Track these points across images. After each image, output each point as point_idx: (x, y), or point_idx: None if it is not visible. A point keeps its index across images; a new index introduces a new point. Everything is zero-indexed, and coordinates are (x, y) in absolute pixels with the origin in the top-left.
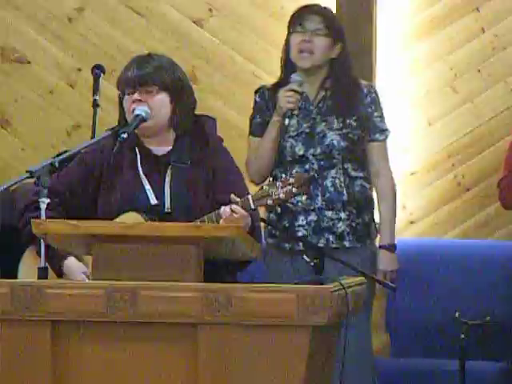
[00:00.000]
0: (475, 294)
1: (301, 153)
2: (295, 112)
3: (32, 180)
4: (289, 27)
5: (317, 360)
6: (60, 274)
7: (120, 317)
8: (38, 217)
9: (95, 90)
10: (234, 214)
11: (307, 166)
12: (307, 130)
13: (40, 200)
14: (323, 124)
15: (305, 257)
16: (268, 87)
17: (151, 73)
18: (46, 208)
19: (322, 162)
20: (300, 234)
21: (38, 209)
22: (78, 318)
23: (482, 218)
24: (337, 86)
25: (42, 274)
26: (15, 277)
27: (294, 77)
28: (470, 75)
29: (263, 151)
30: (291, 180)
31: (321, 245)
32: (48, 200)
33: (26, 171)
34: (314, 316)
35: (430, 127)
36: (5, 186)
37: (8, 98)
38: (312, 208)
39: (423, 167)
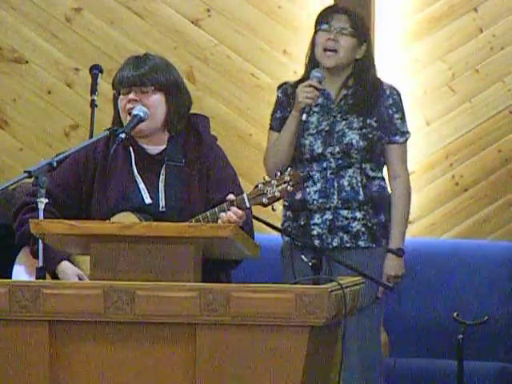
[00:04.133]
0: (473, 294)
1: (319, 151)
2: (316, 109)
3: (30, 180)
4: (315, 26)
5: (315, 360)
6: (54, 277)
7: (117, 317)
8: (34, 217)
9: (93, 89)
10: (233, 216)
11: (325, 165)
12: (327, 128)
13: (38, 200)
14: (343, 123)
15: (303, 257)
16: (290, 83)
17: (147, 73)
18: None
19: (339, 161)
20: (315, 232)
21: (33, 209)
22: (76, 318)
23: (480, 217)
24: (359, 86)
25: (40, 273)
26: (9, 277)
27: (314, 73)
28: (468, 75)
29: (281, 146)
30: (286, 178)
31: (335, 244)
32: (46, 200)
33: (24, 171)
34: (312, 316)
35: (428, 127)
36: (2, 187)
37: (6, 98)
38: (328, 207)
39: (421, 167)
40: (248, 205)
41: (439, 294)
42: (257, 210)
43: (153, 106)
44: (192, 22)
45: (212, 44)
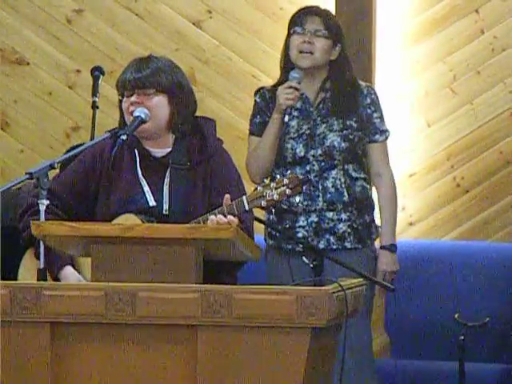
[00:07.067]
0: (474, 295)
1: (301, 154)
2: (295, 113)
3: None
4: (289, 28)
5: (316, 361)
6: (56, 281)
7: (119, 318)
8: (38, 219)
9: (94, 91)
10: (223, 218)
11: (308, 167)
12: (307, 132)
13: (39, 202)
14: (323, 125)
15: (304, 258)
16: (268, 88)
17: (149, 75)
18: (46, 210)
19: (322, 163)
20: (300, 235)
21: (38, 211)
22: (77, 320)
23: (481, 219)
24: (336, 88)
25: (42, 275)
26: (15, 278)
27: (293, 74)
28: (469, 77)
29: (263, 150)
30: (285, 181)
31: (321, 246)
32: (47, 202)
33: (25, 173)
34: (313, 318)
35: (430, 129)
36: (4, 188)
37: (7, 100)
38: (313, 209)
39: (422, 169)
40: (247, 207)
41: (440, 296)
42: (256, 211)
43: (155, 107)
44: (193, 24)
45: (213, 45)
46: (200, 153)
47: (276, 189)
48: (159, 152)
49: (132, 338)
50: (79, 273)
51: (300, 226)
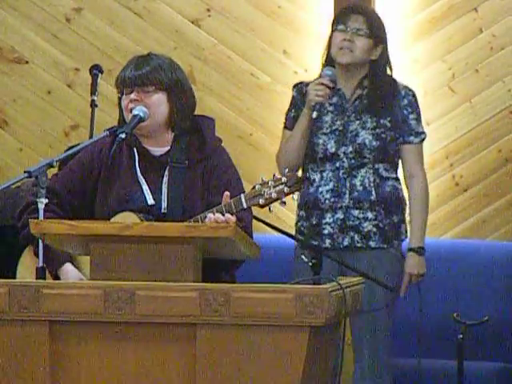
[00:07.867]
0: (473, 294)
1: (332, 150)
2: (330, 108)
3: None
4: (332, 25)
5: (315, 360)
6: (56, 278)
7: (118, 317)
8: (36, 217)
9: (93, 90)
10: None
11: (338, 164)
12: (340, 128)
13: (38, 200)
14: (357, 122)
15: (302, 256)
16: (306, 83)
17: (148, 73)
18: (45, 208)
19: (352, 161)
20: (326, 231)
21: (37, 209)
22: (76, 318)
23: (480, 217)
24: (374, 86)
25: (40, 273)
26: (14, 277)
27: (326, 71)
28: (468, 75)
29: (292, 144)
30: (283, 179)
31: (346, 243)
32: (46, 200)
33: (24, 171)
34: (311, 316)
35: (428, 127)
36: (3, 187)
37: (6, 98)
38: (339, 206)
39: None
40: (245, 205)
41: (439, 294)
42: (255, 210)
43: (154, 105)
44: (192, 22)
45: (212, 44)
46: (199, 151)
47: (274, 187)
48: (158, 151)
49: (130, 337)
50: (79, 270)
51: (326, 223)
